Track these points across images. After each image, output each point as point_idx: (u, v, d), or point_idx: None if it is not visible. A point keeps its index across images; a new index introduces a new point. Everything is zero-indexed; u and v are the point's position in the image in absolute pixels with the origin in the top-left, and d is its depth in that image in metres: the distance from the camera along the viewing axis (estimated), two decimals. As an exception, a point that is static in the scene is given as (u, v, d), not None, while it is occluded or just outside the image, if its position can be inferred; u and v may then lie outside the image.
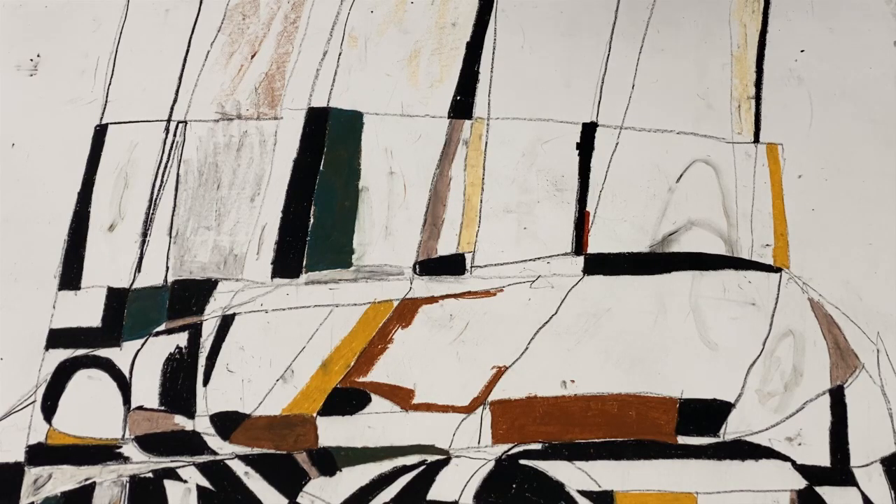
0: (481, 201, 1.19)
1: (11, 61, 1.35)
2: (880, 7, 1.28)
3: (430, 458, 1.05)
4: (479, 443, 1.06)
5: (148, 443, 1.08)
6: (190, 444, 1.08)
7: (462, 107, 1.26)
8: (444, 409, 1.08)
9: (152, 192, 1.23)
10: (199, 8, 1.37)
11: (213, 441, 1.08)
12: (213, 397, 1.10)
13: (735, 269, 1.12)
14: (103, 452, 1.08)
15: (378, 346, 1.11)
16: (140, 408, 1.10)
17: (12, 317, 1.17)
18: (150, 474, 1.07)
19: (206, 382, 1.11)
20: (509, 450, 1.05)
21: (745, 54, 1.26)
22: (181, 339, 1.14)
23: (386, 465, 1.05)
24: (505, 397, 1.08)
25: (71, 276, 1.18)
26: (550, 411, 1.06)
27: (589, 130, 1.22)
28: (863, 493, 1.00)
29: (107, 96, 1.31)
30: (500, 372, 1.09)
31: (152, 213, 1.22)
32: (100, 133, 1.28)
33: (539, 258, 1.15)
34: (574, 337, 1.10)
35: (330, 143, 1.25)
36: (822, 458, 1.02)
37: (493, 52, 1.29)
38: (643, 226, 1.16)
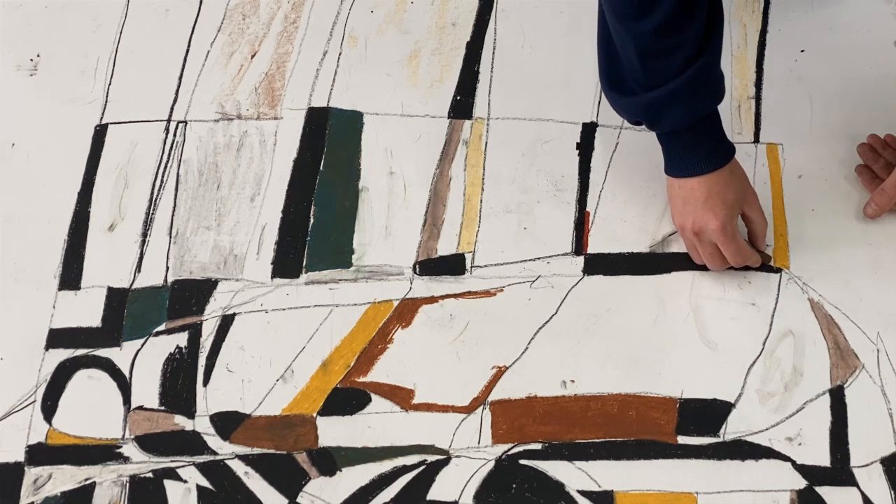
0: (481, 201, 1.19)
1: (11, 61, 1.35)
2: (880, 7, 1.28)
3: (430, 458, 1.05)
4: (479, 443, 1.06)
5: (148, 443, 1.08)
6: (190, 444, 1.08)
7: (462, 107, 1.26)
8: (444, 409, 1.08)
9: (152, 192, 1.23)
10: (199, 8, 1.37)
11: (213, 441, 1.08)
12: (213, 397, 1.10)
13: (735, 269, 1.12)
14: (103, 452, 1.08)
15: (378, 346, 1.11)
16: (140, 408, 1.10)
17: (12, 317, 1.17)
18: (150, 474, 1.07)
19: (206, 382, 1.11)
20: (509, 450, 1.05)
21: (745, 54, 1.26)
22: (181, 339, 1.14)
23: (386, 465, 1.05)
24: (505, 397, 1.08)
25: (71, 276, 1.18)
26: (550, 411, 1.06)
27: (589, 130, 1.22)
28: (863, 493, 1.00)
29: (107, 96, 1.31)
30: (500, 372, 1.09)
31: (152, 213, 1.22)
32: (100, 133, 1.28)
33: (539, 258, 1.15)
34: (574, 337, 1.10)
35: (330, 143, 1.25)
36: (822, 458, 1.02)
37: (493, 52, 1.29)
38: (643, 226, 1.16)
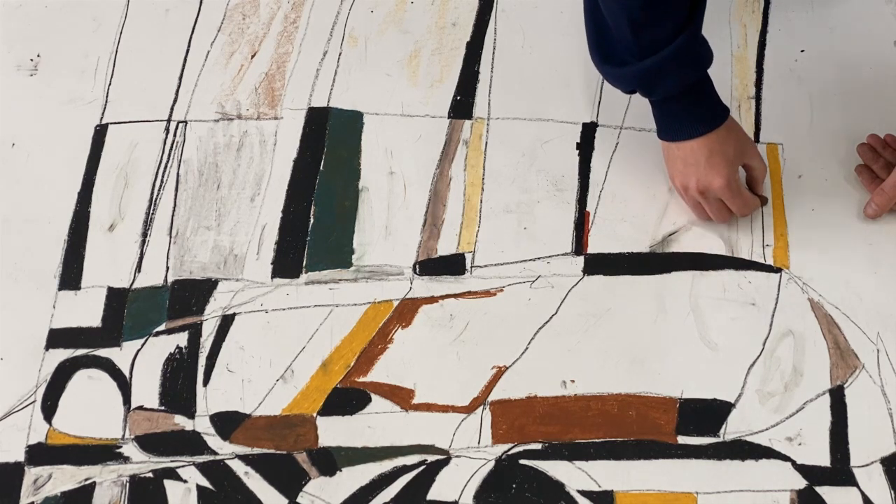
0: (481, 201, 1.19)
1: (11, 61, 1.35)
2: (880, 7, 1.28)
3: (430, 458, 1.05)
4: (479, 443, 1.06)
5: (148, 443, 1.08)
6: (190, 444, 1.08)
7: (462, 107, 1.26)
8: (444, 409, 1.08)
9: (152, 192, 1.23)
10: (199, 8, 1.37)
11: (213, 441, 1.08)
12: (213, 397, 1.10)
13: (735, 269, 1.12)
14: (103, 452, 1.08)
15: (378, 346, 1.11)
16: (140, 408, 1.10)
17: (12, 317, 1.17)
18: (150, 474, 1.07)
19: (206, 382, 1.11)
20: (509, 450, 1.05)
21: (745, 54, 1.26)
22: (181, 339, 1.14)
23: (386, 465, 1.05)
24: (505, 397, 1.08)
25: (71, 276, 1.18)
26: (550, 411, 1.06)
27: (589, 130, 1.22)
28: (863, 493, 1.00)
29: (107, 96, 1.31)
30: (500, 372, 1.09)
31: (152, 213, 1.22)
32: (100, 133, 1.28)
33: (539, 258, 1.15)
34: (574, 337, 1.10)
35: (330, 143, 1.25)
36: (822, 458, 1.02)
37: (493, 52, 1.29)
38: (643, 226, 1.16)
